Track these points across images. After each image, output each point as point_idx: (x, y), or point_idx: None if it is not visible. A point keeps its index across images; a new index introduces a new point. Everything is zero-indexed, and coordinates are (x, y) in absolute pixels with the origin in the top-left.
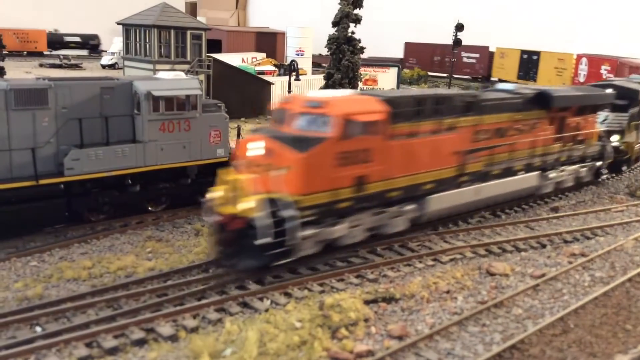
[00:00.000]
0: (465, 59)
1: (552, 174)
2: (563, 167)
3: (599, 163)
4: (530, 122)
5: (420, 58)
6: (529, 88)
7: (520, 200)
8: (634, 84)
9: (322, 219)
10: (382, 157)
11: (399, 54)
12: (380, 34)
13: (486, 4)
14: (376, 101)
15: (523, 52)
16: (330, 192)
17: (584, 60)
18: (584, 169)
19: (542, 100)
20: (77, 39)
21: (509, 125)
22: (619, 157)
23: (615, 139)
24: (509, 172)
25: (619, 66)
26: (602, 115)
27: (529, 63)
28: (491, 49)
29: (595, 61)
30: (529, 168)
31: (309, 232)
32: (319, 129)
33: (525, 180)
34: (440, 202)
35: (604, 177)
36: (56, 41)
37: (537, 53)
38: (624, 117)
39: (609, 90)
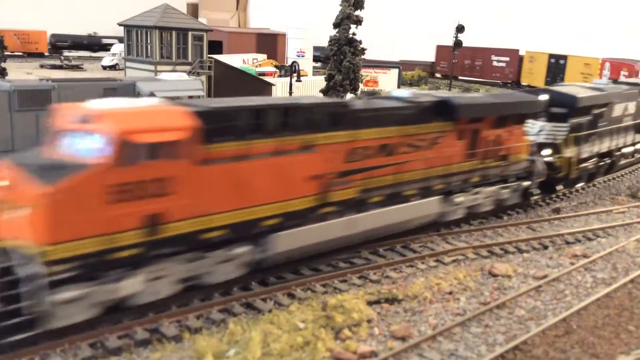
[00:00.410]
0: (495, 63)
1: (459, 198)
2: (477, 189)
3: (526, 183)
4: (429, 137)
5: (450, 61)
6: (431, 95)
7: (422, 228)
8: (576, 89)
9: (97, 274)
10: (190, 187)
11: (431, 57)
12: (411, 36)
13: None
14: (181, 114)
15: (551, 56)
16: (102, 238)
17: (607, 64)
18: (507, 190)
19: (445, 110)
20: (115, 41)
21: (398, 140)
22: (553, 175)
23: (547, 153)
24: (397, 198)
25: (637, 70)
26: (537, 125)
27: (556, 68)
28: (521, 53)
29: (615, 66)
30: (426, 192)
31: (70, 293)
32: (84, 153)
33: (421, 207)
34: (291, 240)
35: (535, 198)
36: (95, 43)
37: (564, 57)
38: (562, 127)
39: (544, 97)
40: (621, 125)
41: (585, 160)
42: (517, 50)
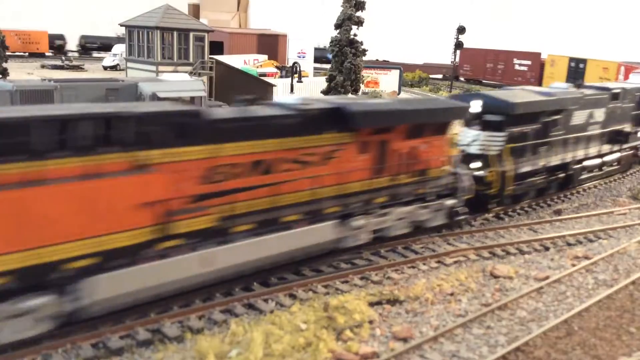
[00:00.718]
0: (517, 66)
1: (360, 221)
2: (386, 210)
3: (451, 201)
4: (320, 151)
5: (474, 64)
6: (325, 102)
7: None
8: (518, 93)
9: None
10: None
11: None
12: (434, 39)
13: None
14: None
15: (571, 59)
16: None
17: (622, 68)
18: (426, 209)
19: (340, 118)
20: None
21: (279, 156)
22: (484, 191)
23: (476, 166)
24: (274, 225)
25: None
26: (470, 135)
27: (576, 72)
28: (543, 56)
29: (628, 69)
30: (316, 216)
31: None
32: None
33: (308, 234)
34: (115, 284)
35: (462, 217)
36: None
37: (584, 61)
38: (497, 137)
39: (477, 102)
40: (583, 134)
41: (529, 174)
42: (539, 54)
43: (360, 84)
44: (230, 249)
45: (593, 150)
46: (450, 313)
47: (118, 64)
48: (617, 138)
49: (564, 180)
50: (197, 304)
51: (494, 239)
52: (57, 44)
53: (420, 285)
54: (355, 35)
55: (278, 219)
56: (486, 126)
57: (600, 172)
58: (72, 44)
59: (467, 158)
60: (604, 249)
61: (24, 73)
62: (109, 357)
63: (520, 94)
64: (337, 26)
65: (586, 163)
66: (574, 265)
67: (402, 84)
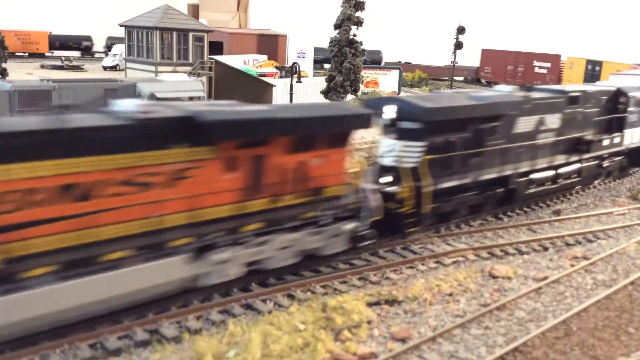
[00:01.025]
0: (537, 69)
1: (224, 254)
2: (264, 238)
3: (352, 225)
4: (165, 169)
5: (494, 66)
6: (173, 109)
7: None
8: (436, 97)
9: None
10: None
11: (477, 62)
12: (450, 40)
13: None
14: None
15: (588, 62)
16: None
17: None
18: (319, 235)
19: (195, 129)
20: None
21: (100, 178)
22: (395, 210)
23: (387, 180)
24: (90, 264)
25: None
26: (386, 145)
27: (592, 75)
28: (563, 58)
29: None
30: (158, 251)
31: None
32: None
33: (143, 274)
34: None
35: (368, 243)
36: None
37: (600, 63)
38: (415, 148)
39: (390, 108)
40: (530, 143)
41: (456, 189)
42: (559, 56)
43: (360, 84)
44: (15, 300)
45: (544, 161)
46: (449, 313)
47: (118, 64)
48: (577, 147)
49: (504, 196)
50: (195, 305)
51: (492, 239)
52: (84, 45)
53: (419, 285)
54: (354, 35)
55: (97, 256)
56: (402, 135)
57: (554, 186)
58: (98, 45)
59: (385, 172)
60: (603, 250)
61: (24, 73)
62: (107, 358)
63: (444, 99)
64: (337, 26)
65: (534, 176)
66: (572, 265)
67: (402, 84)
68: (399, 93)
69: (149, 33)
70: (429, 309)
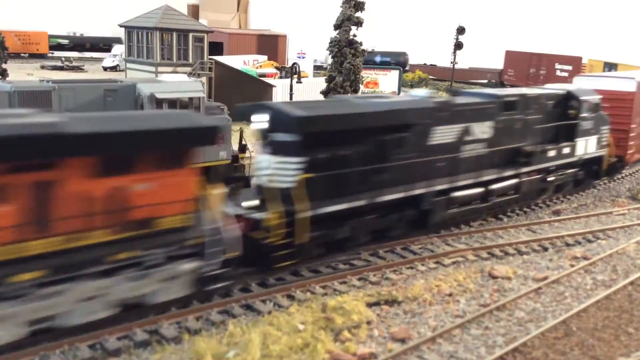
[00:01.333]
0: (558, 72)
1: None
2: (55, 289)
3: (193, 264)
4: None
5: (517, 69)
6: None
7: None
8: (322, 104)
9: None
10: None
11: (500, 64)
12: (484, 42)
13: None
14: None
15: (605, 64)
16: None
17: None
18: (145, 279)
19: None
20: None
21: None
22: (263, 242)
23: (251, 205)
24: None
25: None
26: (262, 161)
27: None
28: (584, 61)
29: None
30: None
31: None
32: None
33: None
34: None
35: (220, 286)
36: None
37: (615, 65)
38: (290, 164)
39: (262, 116)
40: (451, 156)
41: (348, 213)
42: (580, 58)
43: (360, 85)
44: None
45: (469, 176)
46: (449, 314)
47: (118, 65)
48: (515, 159)
49: (417, 218)
50: (195, 305)
51: (492, 240)
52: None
53: (419, 285)
54: (354, 35)
55: None
56: (276, 149)
57: (483, 205)
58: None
59: (259, 194)
60: (602, 250)
61: (24, 74)
62: (107, 358)
63: (331, 106)
64: (337, 27)
65: (456, 194)
66: (572, 265)
67: (402, 84)
68: (399, 93)
69: (149, 33)
70: (429, 310)
